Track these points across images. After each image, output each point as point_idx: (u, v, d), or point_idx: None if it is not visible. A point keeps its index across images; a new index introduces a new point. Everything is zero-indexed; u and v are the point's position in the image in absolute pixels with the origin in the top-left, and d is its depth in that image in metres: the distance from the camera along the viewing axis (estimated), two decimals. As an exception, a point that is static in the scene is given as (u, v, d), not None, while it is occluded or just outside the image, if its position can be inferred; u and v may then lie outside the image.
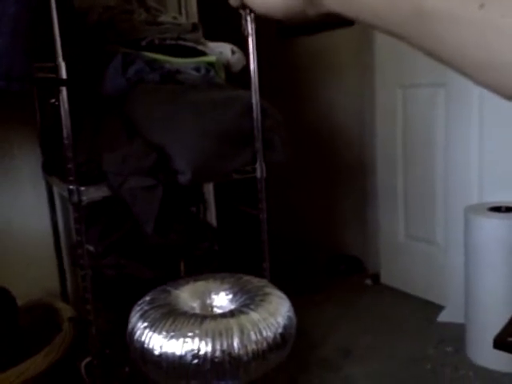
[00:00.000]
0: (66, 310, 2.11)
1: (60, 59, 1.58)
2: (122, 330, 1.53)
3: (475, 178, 2.36)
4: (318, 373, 2.21)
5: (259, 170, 1.84)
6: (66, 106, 1.63)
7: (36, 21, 1.53)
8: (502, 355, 1.89)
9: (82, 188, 1.69)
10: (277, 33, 3.49)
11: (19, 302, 2.02)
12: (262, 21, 0.73)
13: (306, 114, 3.36)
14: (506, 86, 0.40)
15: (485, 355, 2.16)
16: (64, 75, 1.59)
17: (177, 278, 1.20)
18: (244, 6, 0.58)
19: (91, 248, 1.93)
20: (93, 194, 1.74)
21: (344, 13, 0.49)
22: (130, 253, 1.91)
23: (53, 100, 1.98)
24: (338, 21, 2.76)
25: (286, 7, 0.53)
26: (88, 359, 1.85)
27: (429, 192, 2.66)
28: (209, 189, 2.44)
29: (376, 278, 3.04)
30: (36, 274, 2.25)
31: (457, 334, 2.35)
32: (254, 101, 1.82)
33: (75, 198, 1.67)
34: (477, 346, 2.21)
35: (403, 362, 2.24)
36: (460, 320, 2.37)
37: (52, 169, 2.06)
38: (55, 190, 2.27)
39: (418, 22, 0.42)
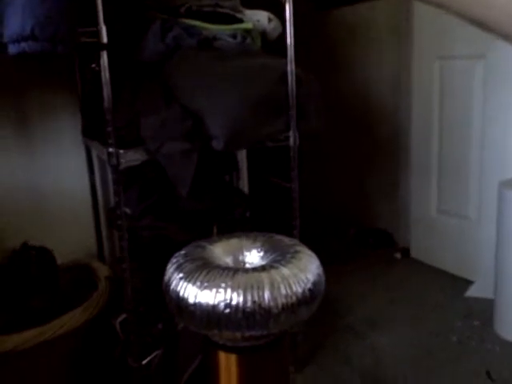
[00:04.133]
0: (103, 270, 2.20)
1: (101, 24, 1.62)
2: (156, 290, 1.60)
3: None
4: (344, 339, 2.25)
5: (292, 139, 1.86)
6: (107, 70, 1.68)
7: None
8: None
9: (121, 151, 1.74)
10: (314, 5, 3.46)
11: (58, 262, 2.11)
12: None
13: (342, 86, 3.34)
14: None
15: (512, 330, 2.17)
16: (105, 40, 1.64)
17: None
18: None
19: (128, 210, 2.00)
20: (131, 157, 1.80)
21: None
22: (165, 216, 1.97)
23: (93, 65, 2.04)
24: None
25: None
26: (123, 316, 1.93)
27: (463, 166, 2.63)
28: (242, 158, 2.47)
29: (406, 252, 3.05)
30: (74, 235, 2.34)
31: (485, 309, 2.36)
32: (289, 69, 1.84)
33: (114, 161, 1.73)
34: (504, 321, 2.21)
35: (429, 333, 2.27)
36: (489, 295, 2.37)
37: (92, 133, 2.12)
38: (94, 154, 2.34)
39: None
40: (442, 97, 2.71)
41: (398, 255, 3.05)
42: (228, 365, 1.03)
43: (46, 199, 2.25)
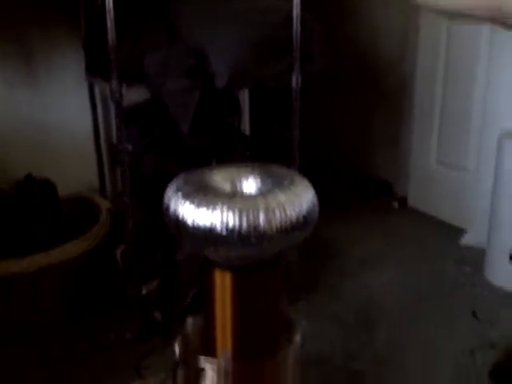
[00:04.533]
0: (104, 203, 2.25)
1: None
2: (156, 224, 1.64)
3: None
4: (338, 278, 2.32)
5: (295, 80, 1.86)
6: (111, 6, 1.67)
7: None
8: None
9: (124, 86, 1.76)
10: None
11: (61, 194, 2.16)
12: None
13: (349, 33, 3.30)
14: None
15: (503, 277, 2.23)
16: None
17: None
18: None
19: (130, 147, 2.03)
20: (134, 93, 1.81)
21: None
22: (166, 153, 2.00)
23: (98, 1, 2.02)
24: None
25: None
26: (123, 247, 1.99)
27: (465, 117, 2.64)
28: (244, 100, 2.48)
29: (404, 201, 3.09)
30: (77, 170, 2.38)
31: (477, 257, 2.41)
32: (294, 11, 1.83)
33: (117, 95, 1.75)
34: (495, 268, 2.27)
35: (421, 275, 2.34)
36: (482, 244, 2.42)
37: (95, 70, 2.13)
38: (97, 91, 2.35)
39: None
40: (449, 47, 2.68)
41: (396, 204, 3.09)
42: (223, 282, 1.08)
43: (49, 134, 2.28)
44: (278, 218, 0.97)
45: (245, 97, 2.48)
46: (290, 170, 1.16)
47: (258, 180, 1.10)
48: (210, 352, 1.14)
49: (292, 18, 1.82)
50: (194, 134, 1.88)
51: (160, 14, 1.94)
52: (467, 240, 2.60)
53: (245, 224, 0.95)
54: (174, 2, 1.94)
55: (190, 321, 1.23)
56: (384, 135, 3.25)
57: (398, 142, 3.14)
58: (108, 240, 2.08)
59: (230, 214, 0.95)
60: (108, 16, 1.68)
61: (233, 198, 0.99)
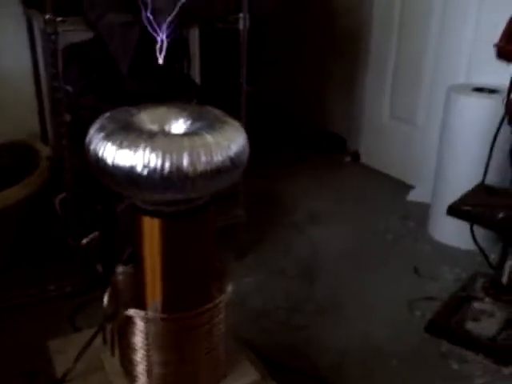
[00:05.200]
0: (45, 150, 2.15)
1: None
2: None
3: (466, 57, 2.32)
4: (285, 233, 2.32)
5: (242, 21, 1.78)
6: None
7: None
8: (460, 232, 2.00)
9: (59, 18, 1.65)
10: None
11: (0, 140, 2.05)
12: None
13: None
14: None
15: (445, 232, 2.27)
16: None
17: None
18: None
19: (69, 88, 1.92)
20: (69, 26, 1.70)
21: None
22: (107, 96, 1.90)
23: None
24: None
25: None
26: (62, 195, 1.92)
27: (417, 71, 2.62)
28: (194, 45, 2.38)
29: (356, 156, 3.09)
30: (17, 116, 2.25)
31: (422, 213, 2.44)
32: None
33: (51, 29, 1.64)
34: (439, 223, 2.30)
35: (366, 230, 2.36)
36: (428, 200, 2.44)
37: (32, 1, 1.99)
38: (36, 29, 2.21)
39: None
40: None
41: (348, 158, 3.09)
42: (152, 230, 1.04)
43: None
44: (204, 159, 0.92)
45: (195, 41, 2.38)
46: (223, 113, 1.10)
47: (188, 121, 1.05)
48: (141, 303, 1.11)
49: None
50: (135, 76, 1.79)
51: None
52: (414, 196, 2.62)
53: (167, 165, 0.90)
54: None
55: (119, 270, 1.19)
56: (338, 90, 3.22)
57: (352, 97, 3.11)
58: (48, 188, 2.00)
59: (153, 155, 0.90)
60: None
61: (156, 137, 0.93)
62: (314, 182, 2.80)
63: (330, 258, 2.16)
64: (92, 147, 0.96)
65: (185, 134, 0.97)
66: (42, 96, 2.29)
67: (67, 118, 1.85)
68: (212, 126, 1.00)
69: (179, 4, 1.62)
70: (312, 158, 3.12)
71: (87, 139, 0.98)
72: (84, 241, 1.91)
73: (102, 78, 1.89)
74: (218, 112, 1.08)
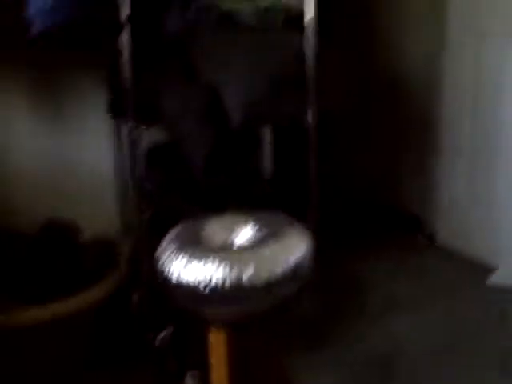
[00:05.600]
0: (124, 246, 2.23)
1: None
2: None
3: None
4: (359, 321, 2.25)
5: (310, 117, 1.84)
6: (127, 43, 1.71)
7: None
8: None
9: (142, 127, 1.79)
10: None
11: (82, 237, 2.16)
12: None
13: (375, 61, 3.27)
14: None
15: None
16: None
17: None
18: None
19: (151, 187, 2.04)
20: (151, 133, 1.84)
21: None
22: (183, 194, 2.00)
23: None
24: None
25: None
26: (140, 292, 1.97)
27: (494, 148, 2.56)
28: (266, 136, 2.47)
29: (432, 237, 3.00)
30: (99, 211, 2.38)
31: (507, 296, 2.30)
32: (308, 45, 1.82)
33: (133, 136, 1.78)
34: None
35: (448, 318, 2.25)
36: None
37: (118, 110, 2.17)
38: (124, 133, 2.38)
39: None
40: (476, 76, 2.63)
41: (425, 240, 3.00)
42: (217, 340, 1.06)
43: (71, 175, 2.30)
44: (264, 275, 0.95)
45: (267, 134, 2.47)
46: (289, 218, 1.13)
47: (253, 230, 1.09)
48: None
49: (302, 53, 1.82)
50: (208, 174, 1.89)
51: (177, 53, 1.96)
52: (496, 278, 2.49)
53: (228, 282, 0.93)
54: (189, 41, 1.97)
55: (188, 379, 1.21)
56: (411, 168, 3.18)
57: (426, 175, 3.06)
58: (126, 284, 2.06)
59: (215, 272, 0.94)
60: (124, 57, 1.71)
61: (218, 254, 0.97)
62: (389, 264, 2.72)
63: (410, 351, 2.05)
64: (158, 265, 1.01)
65: (245, 249, 1.01)
66: (127, 194, 2.41)
67: (147, 214, 1.94)
68: (276, 235, 1.03)
69: (247, 109, 1.74)
70: (385, 239, 3.05)
71: (157, 253, 1.04)
72: (160, 336, 1.93)
73: (180, 178, 1.99)
74: (283, 218, 1.12)
